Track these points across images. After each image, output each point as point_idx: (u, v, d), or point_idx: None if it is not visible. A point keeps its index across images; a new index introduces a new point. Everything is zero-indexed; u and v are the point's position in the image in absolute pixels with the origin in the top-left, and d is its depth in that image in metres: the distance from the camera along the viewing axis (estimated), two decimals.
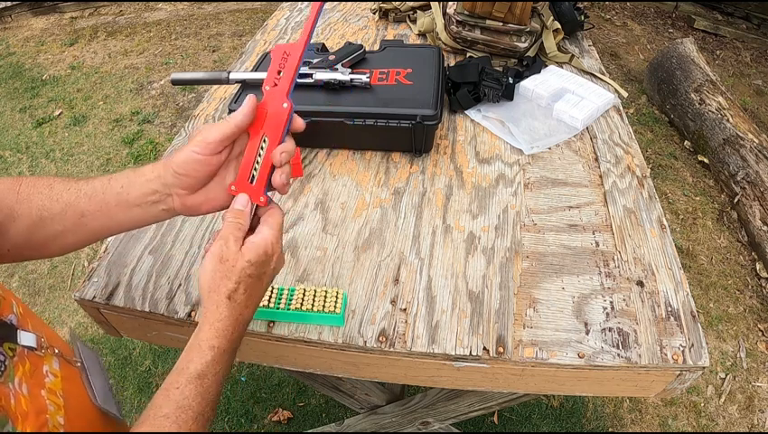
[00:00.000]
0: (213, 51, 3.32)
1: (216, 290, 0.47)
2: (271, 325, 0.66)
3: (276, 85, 0.51)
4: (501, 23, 1.09)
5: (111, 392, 0.61)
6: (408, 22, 1.34)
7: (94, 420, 0.54)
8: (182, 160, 0.51)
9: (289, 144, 0.52)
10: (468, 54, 1.17)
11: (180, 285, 0.71)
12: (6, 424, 0.40)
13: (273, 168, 0.51)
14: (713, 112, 2.37)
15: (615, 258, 0.74)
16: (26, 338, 0.48)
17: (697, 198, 2.24)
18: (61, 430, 0.47)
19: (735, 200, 2.13)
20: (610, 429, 1.52)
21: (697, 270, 1.94)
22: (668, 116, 2.67)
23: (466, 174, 0.88)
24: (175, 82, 0.92)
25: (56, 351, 0.53)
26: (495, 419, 1.53)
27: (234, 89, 0.96)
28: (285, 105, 0.51)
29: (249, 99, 0.50)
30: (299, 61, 0.51)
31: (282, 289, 0.66)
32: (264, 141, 0.51)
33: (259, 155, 0.51)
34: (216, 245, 0.48)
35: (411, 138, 0.88)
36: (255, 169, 0.51)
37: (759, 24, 3.43)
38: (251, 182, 0.51)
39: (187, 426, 0.44)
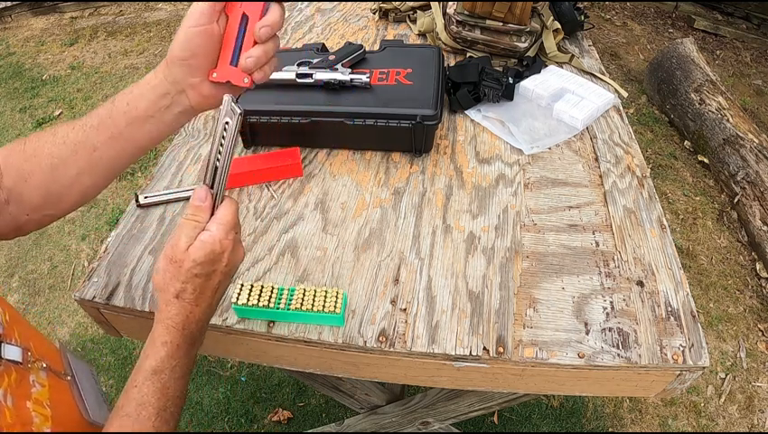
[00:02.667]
0: None
1: (165, 290, 0.48)
2: (271, 325, 0.66)
3: None
4: (501, 23, 1.09)
5: (104, 402, 0.60)
6: (408, 22, 1.34)
7: (82, 430, 0.53)
8: (183, 41, 0.48)
9: (272, 14, 0.48)
10: (468, 54, 1.17)
11: None
12: None
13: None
14: (713, 112, 2.37)
15: (615, 258, 0.74)
16: (11, 352, 0.48)
17: (697, 198, 2.24)
18: None
19: (735, 200, 2.13)
20: (610, 429, 1.52)
21: (697, 270, 1.94)
22: (668, 116, 2.67)
23: (466, 174, 0.88)
24: None
25: (44, 365, 0.52)
26: (495, 419, 1.53)
27: None
28: None
29: None
30: None
31: (282, 289, 0.66)
32: (244, 18, 0.47)
33: (241, 34, 0.47)
34: (168, 245, 0.48)
35: (411, 138, 0.88)
36: (237, 49, 0.48)
37: (759, 24, 3.43)
38: (233, 64, 0.48)
39: (150, 423, 0.44)
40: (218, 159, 0.48)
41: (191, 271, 0.47)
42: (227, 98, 0.47)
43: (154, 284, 0.49)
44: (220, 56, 0.49)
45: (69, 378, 0.56)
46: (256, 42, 0.48)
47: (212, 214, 0.49)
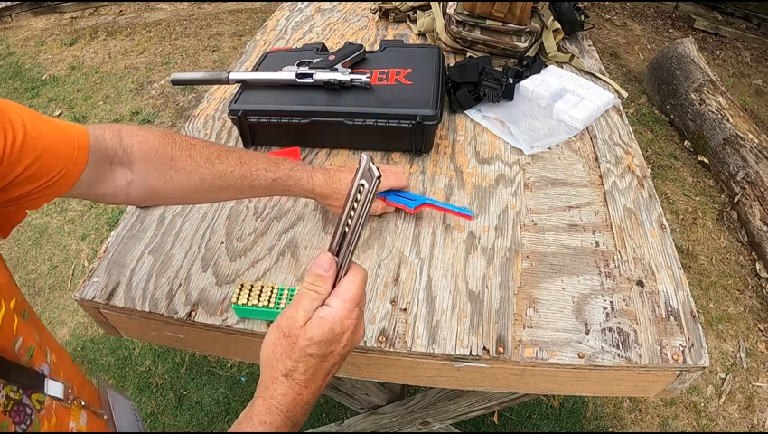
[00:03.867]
0: (213, 52, 3.32)
1: (274, 366, 0.43)
2: (271, 325, 0.66)
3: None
4: (501, 23, 1.09)
5: None
6: (408, 22, 1.34)
7: None
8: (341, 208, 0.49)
9: None
10: (468, 54, 1.17)
11: (180, 285, 0.71)
12: None
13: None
14: (713, 112, 2.37)
15: (615, 258, 0.74)
16: (54, 388, 0.47)
17: (697, 198, 2.24)
18: None
19: (735, 200, 2.13)
20: (610, 429, 1.52)
21: (697, 270, 1.94)
22: (668, 116, 2.67)
23: (466, 174, 0.88)
24: (175, 82, 0.92)
25: (83, 403, 0.51)
26: (495, 419, 1.53)
27: (234, 88, 0.96)
28: None
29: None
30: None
31: (282, 289, 0.66)
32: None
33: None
34: (284, 314, 0.44)
35: (411, 138, 0.88)
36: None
37: (759, 24, 3.42)
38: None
39: None
40: (347, 225, 0.42)
41: (305, 350, 0.42)
42: (365, 157, 0.42)
43: (263, 357, 0.44)
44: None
45: (105, 417, 0.55)
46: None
47: (335, 285, 0.44)
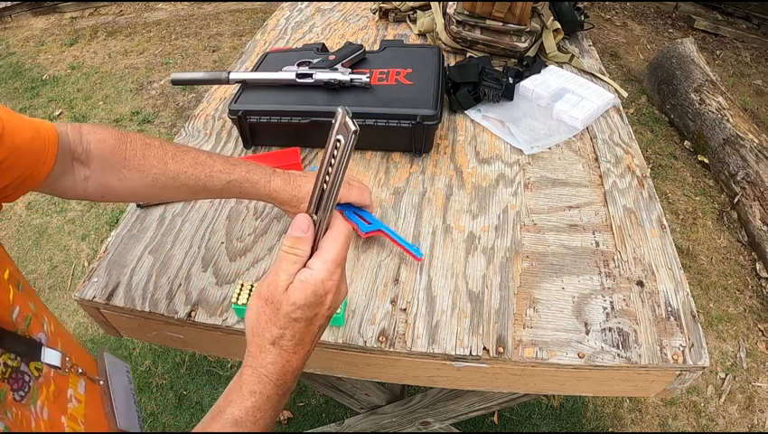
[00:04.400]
0: (213, 52, 3.32)
1: (260, 335, 0.42)
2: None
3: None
4: (501, 23, 1.09)
5: (134, 403, 0.60)
6: (408, 22, 1.34)
7: None
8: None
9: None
10: (468, 54, 1.17)
11: (180, 285, 0.71)
12: None
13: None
14: (713, 112, 2.37)
15: (615, 258, 0.74)
16: (51, 356, 0.48)
17: (697, 198, 2.24)
18: None
19: (735, 200, 2.13)
20: (610, 429, 1.52)
21: (697, 270, 1.94)
22: (668, 116, 2.67)
23: (466, 174, 0.88)
24: (175, 82, 0.92)
25: (80, 370, 0.52)
26: (495, 419, 1.53)
27: (234, 89, 0.96)
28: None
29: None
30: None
31: None
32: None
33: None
34: (264, 282, 0.43)
35: (411, 138, 0.88)
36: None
37: (759, 24, 3.42)
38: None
39: None
40: (325, 181, 0.41)
41: (289, 316, 0.41)
42: (340, 110, 0.40)
43: (246, 326, 0.44)
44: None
45: (101, 383, 0.57)
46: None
47: (315, 246, 0.43)
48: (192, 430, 0.41)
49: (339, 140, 0.40)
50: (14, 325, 0.45)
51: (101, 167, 0.57)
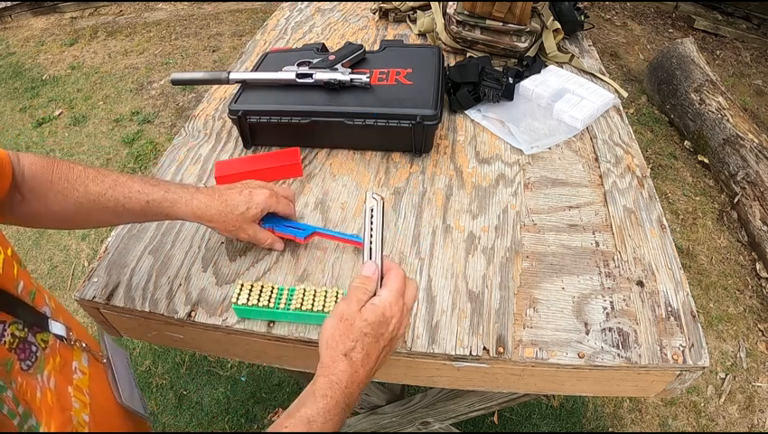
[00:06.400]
0: (213, 52, 3.32)
1: (334, 347, 0.49)
2: (271, 325, 0.66)
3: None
4: (501, 23, 1.09)
5: (136, 390, 0.62)
6: (408, 22, 1.34)
7: (119, 420, 0.56)
8: (229, 232, 0.67)
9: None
10: (468, 54, 1.17)
11: (180, 285, 0.71)
12: (30, 418, 0.40)
13: None
14: (713, 112, 2.37)
15: (615, 258, 0.74)
16: (57, 328, 0.50)
17: (697, 198, 2.24)
18: (86, 429, 0.48)
19: (735, 200, 2.13)
20: (610, 429, 1.52)
21: (697, 270, 1.94)
22: (668, 116, 2.67)
23: (466, 174, 0.88)
24: (175, 82, 0.92)
25: (84, 345, 0.54)
26: (495, 419, 1.53)
27: (234, 89, 0.96)
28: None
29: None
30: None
31: (282, 289, 0.66)
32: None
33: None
34: (340, 305, 0.51)
35: (411, 138, 0.88)
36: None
37: (759, 24, 3.42)
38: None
39: None
40: (371, 240, 0.55)
41: (361, 330, 0.49)
42: (369, 194, 0.57)
43: (321, 340, 0.50)
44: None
45: (105, 361, 0.58)
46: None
47: (380, 285, 0.54)
48: (267, 430, 0.45)
49: (372, 209, 0.56)
50: (20, 297, 0.47)
51: (30, 191, 0.57)
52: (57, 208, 0.59)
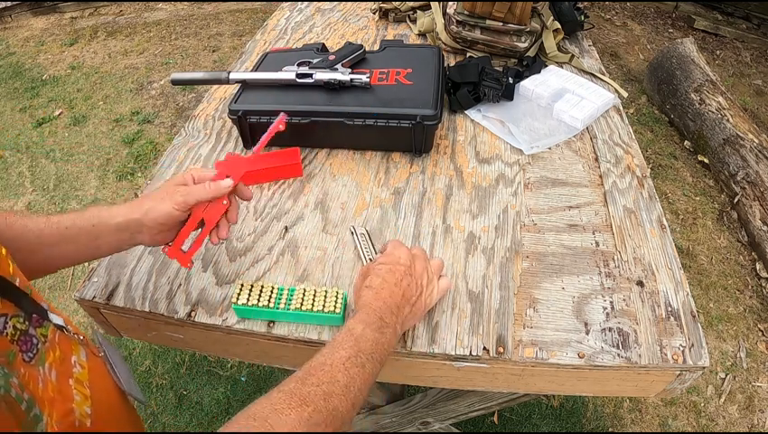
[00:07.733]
0: (213, 52, 3.32)
1: (357, 292, 0.61)
2: (271, 325, 0.66)
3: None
4: (501, 23, 1.09)
5: (133, 379, 0.62)
6: (408, 22, 1.34)
7: (120, 412, 0.56)
8: (163, 216, 0.60)
9: (222, 230, 0.65)
10: (468, 54, 1.17)
11: (180, 285, 0.71)
12: (34, 407, 0.40)
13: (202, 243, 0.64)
14: (713, 112, 2.37)
15: (615, 258, 0.74)
16: (56, 319, 0.52)
17: (697, 198, 2.24)
18: (88, 421, 0.48)
19: (735, 200, 2.13)
20: (610, 429, 1.52)
21: (697, 270, 1.94)
22: (668, 116, 2.66)
23: (466, 174, 0.88)
24: (175, 82, 0.92)
25: (81, 338, 0.55)
26: (495, 419, 1.53)
27: (234, 88, 0.96)
28: (225, 202, 0.64)
29: (226, 186, 0.63)
30: (240, 178, 0.66)
31: (282, 289, 0.66)
32: (202, 221, 0.63)
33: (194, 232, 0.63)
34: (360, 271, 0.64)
35: (411, 138, 0.88)
36: (190, 241, 0.64)
37: (759, 24, 3.42)
38: (183, 250, 0.64)
39: (342, 365, 0.49)
40: (370, 259, 0.71)
41: (374, 269, 0.61)
42: (353, 229, 0.76)
43: (355, 299, 0.61)
44: (176, 240, 0.63)
45: (101, 355, 0.59)
46: (202, 240, 0.64)
47: None
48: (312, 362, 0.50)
49: (359, 239, 0.75)
50: (21, 289, 0.48)
51: (17, 251, 0.55)
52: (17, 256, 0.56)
